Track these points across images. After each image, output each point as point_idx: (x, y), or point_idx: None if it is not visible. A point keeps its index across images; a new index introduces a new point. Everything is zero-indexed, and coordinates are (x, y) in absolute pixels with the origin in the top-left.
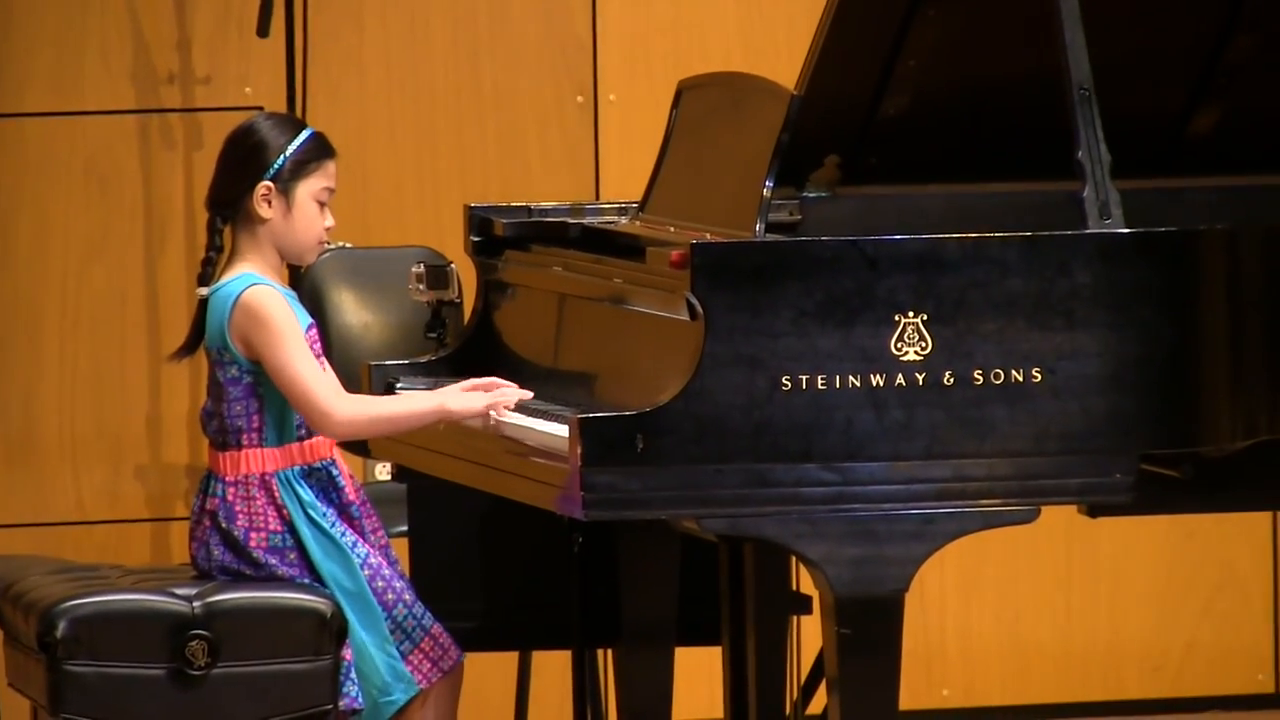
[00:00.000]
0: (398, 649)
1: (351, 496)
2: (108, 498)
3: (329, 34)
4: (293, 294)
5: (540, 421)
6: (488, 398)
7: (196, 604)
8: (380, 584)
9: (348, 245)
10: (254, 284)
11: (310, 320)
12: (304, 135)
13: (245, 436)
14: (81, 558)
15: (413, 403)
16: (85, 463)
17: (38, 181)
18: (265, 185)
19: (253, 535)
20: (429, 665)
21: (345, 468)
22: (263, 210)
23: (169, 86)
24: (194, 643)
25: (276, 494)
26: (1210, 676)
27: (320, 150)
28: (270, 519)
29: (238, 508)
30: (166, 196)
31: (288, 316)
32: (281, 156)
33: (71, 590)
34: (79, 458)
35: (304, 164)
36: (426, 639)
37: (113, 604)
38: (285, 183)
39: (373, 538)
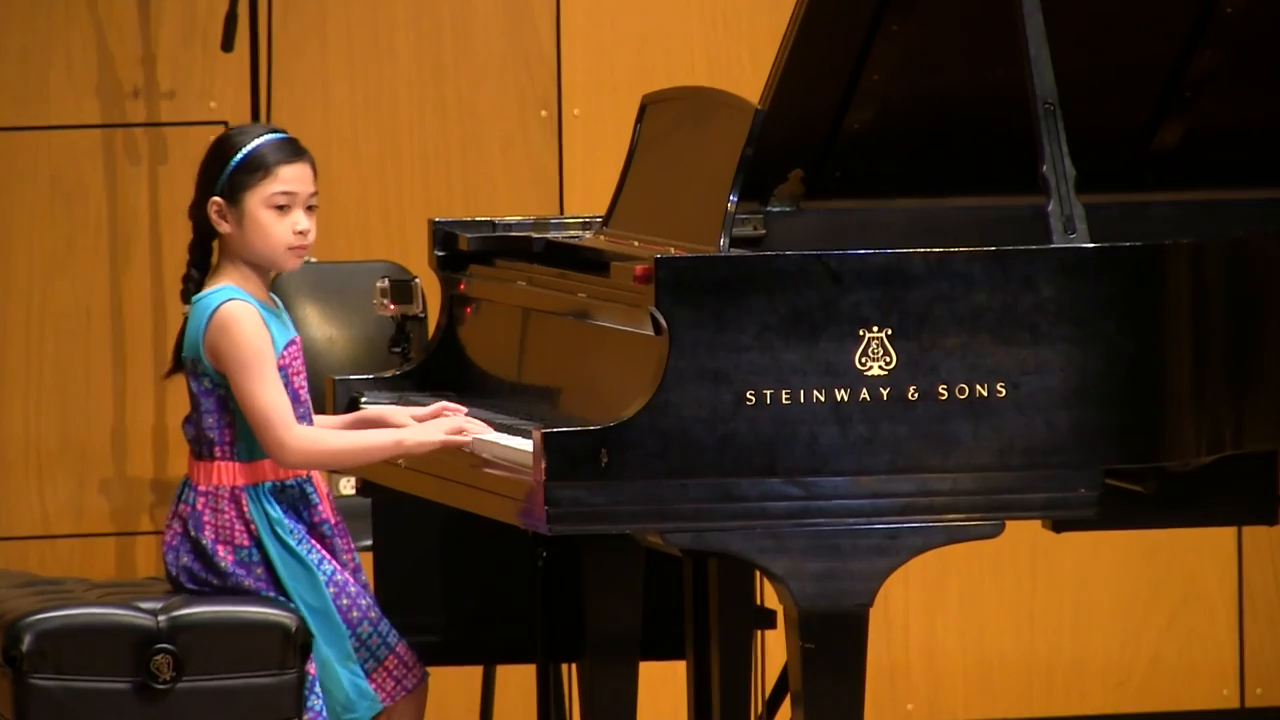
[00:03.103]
0: (362, 666)
1: (325, 515)
2: (72, 512)
3: (293, 49)
4: (273, 308)
5: (505, 436)
6: (445, 432)
7: (161, 618)
8: (345, 601)
9: (312, 259)
10: (230, 299)
11: (292, 335)
12: (252, 144)
13: (218, 449)
14: (46, 572)
15: (369, 438)
16: (50, 476)
17: (2, 196)
18: (215, 201)
19: (220, 548)
20: (393, 683)
21: (323, 487)
22: (220, 226)
23: (134, 101)
24: (159, 657)
25: (245, 509)
26: (1175, 691)
27: (271, 156)
28: (238, 533)
29: (206, 518)
30: (131, 211)
31: (256, 338)
32: (225, 170)
33: (37, 604)
34: (44, 471)
35: (250, 173)
36: (391, 657)
37: (78, 618)
38: (231, 195)
39: (344, 556)
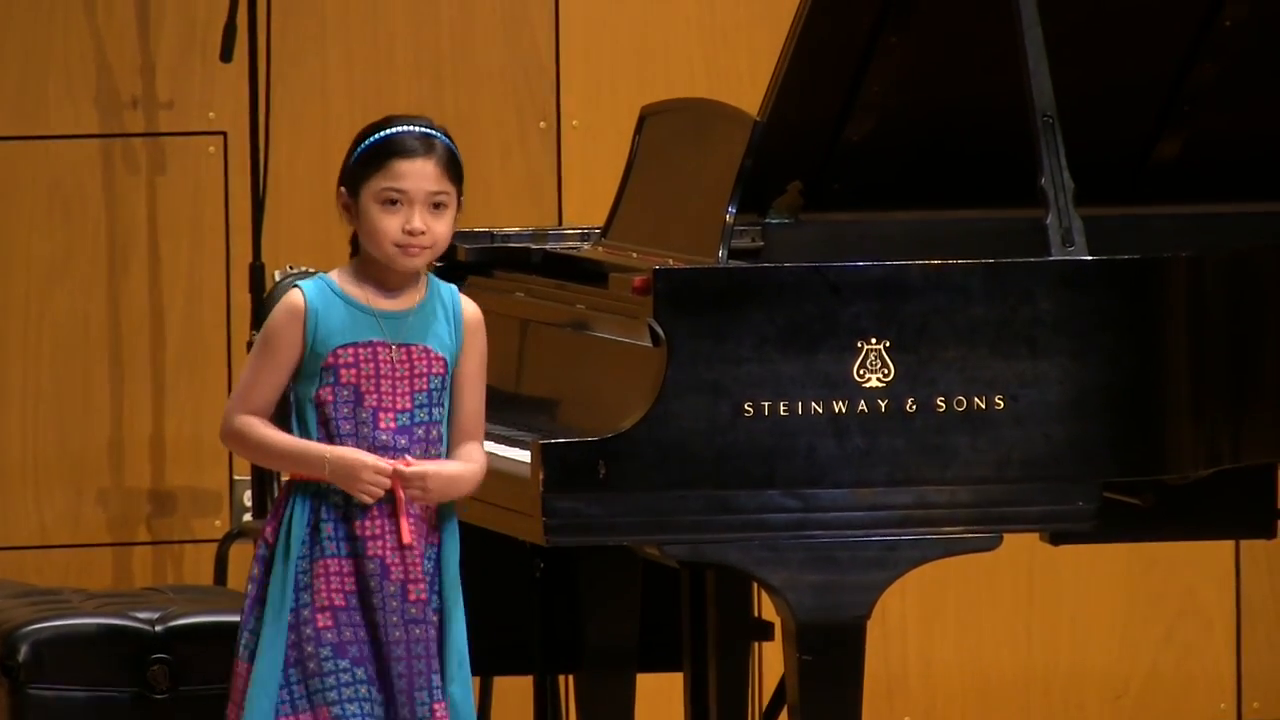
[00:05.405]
0: (279, 704)
1: (370, 535)
2: (70, 522)
3: (292, 59)
4: (374, 306)
5: (502, 447)
6: (357, 489)
7: (158, 628)
8: (293, 636)
9: (311, 270)
10: (298, 285)
11: (368, 338)
12: (373, 137)
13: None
14: (43, 582)
15: (298, 448)
16: (47, 486)
17: (0, 205)
18: (340, 191)
19: (259, 543)
20: None
21: (406, 517)
22: (345, 217)
23: (132, 111)
24: (155, 666)
25: (282, 507)
26: (1172, 704)
27: (384, 150)
28: (269, 529)
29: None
30: (129, 221)
31: (273, 323)
32: (348, 162)
33: (34, 614)
34: (41, 481)
35: (364, 165)
36: (307, 714)
37: (75, 628)
38: (351, 187)
39: (390, 601)
